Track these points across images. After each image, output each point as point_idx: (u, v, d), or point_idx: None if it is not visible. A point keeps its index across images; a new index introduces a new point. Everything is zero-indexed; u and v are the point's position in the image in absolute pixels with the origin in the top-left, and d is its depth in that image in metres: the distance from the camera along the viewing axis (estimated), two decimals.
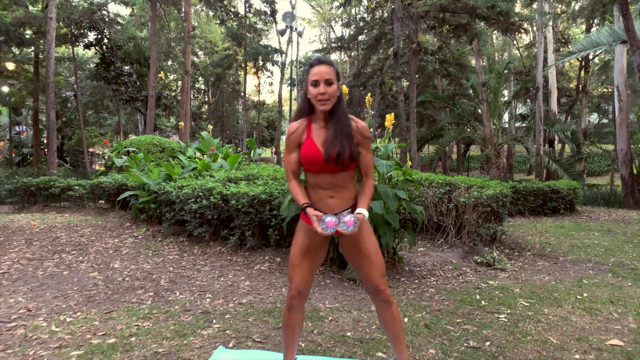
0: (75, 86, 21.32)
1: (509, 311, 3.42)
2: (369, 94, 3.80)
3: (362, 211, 2.01)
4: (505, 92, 23.13)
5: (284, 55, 22.91)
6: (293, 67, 27.85)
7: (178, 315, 3.27)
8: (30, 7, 17.72)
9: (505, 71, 18.32)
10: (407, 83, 19.65)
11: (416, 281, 4.37)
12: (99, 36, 18.45)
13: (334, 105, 2.08)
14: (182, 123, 10.90)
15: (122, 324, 3.07)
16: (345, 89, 4.79)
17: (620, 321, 3.24)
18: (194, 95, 35.75)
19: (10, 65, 20.38)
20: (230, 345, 2.74)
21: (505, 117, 24.18)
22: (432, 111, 24.18)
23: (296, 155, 2.11)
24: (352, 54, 26.14)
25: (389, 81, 23.45)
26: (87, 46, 18.72)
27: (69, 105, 27.09)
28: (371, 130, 4.53)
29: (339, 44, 18.21)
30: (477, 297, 3.80)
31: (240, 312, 3.34)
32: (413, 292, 4.01)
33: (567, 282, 4.37)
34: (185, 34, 19.54)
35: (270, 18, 18.11)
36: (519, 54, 25.89)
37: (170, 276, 4.37)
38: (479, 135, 18.12)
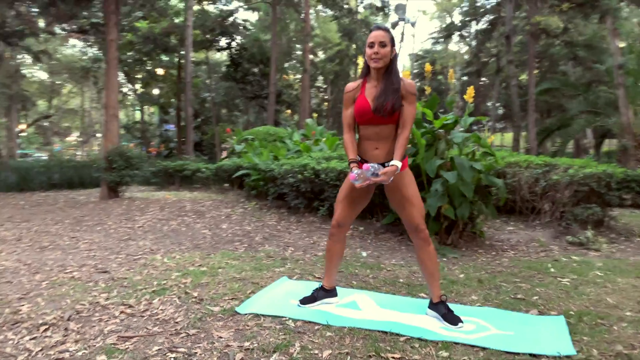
0: (210, 87, 23.90)
1: (575, 277, 3.36)
2: (427, 64, 3.94)
3: (395, 163, 2.31)
4: None
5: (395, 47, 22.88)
6: (410, 60, 27.67)
7: (261, 259, 3.85)
8: (175, 19, 20.37)
9: None
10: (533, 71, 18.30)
11: (493, 253, 4.40)
12: (229, 40, 20.52)
13: (388, 67, 2.40)
14: (315, 114, 11.93)
15: (215, 261, 3.74)
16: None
17: None
18: (314, 93, 37.35)
19: (160, 71, 23.69)
20: (294, 277, 3.23)
21: None
22: (562, 100, 22.16)
23: (351, 111, 2.48)
24: (472, 43, 25.13)
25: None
26: (219, 50, 20.97)
27: (206, 105, 30.47)
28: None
29: (449, 32, 17.65)
30: (549, 265, 3.75)
31: (312, 260, 3.81)
32: (485, 259, 4.08)
33: None
34: (304, 34, 20.73)
35: (382, 12, 18.36)
36: None
37: (265, 235, 5.02)
38: (614, 124, 16.24)
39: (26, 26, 12.46)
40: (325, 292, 2.62)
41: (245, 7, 21.30)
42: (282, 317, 2.44)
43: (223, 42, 20.99)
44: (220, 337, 2.19)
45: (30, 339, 2.18)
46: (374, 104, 2.36)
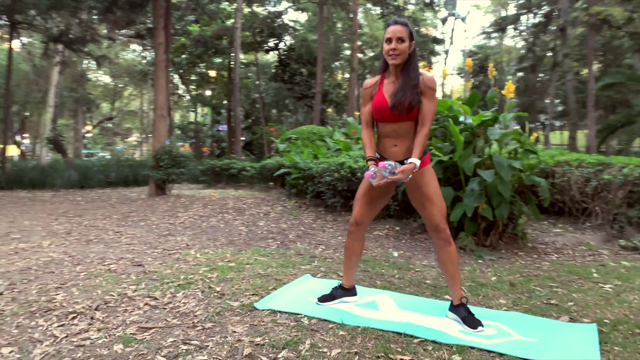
0: (260, 88, 24.37)
1: (619, 283, 3.12)
2: (468, 59, 3.78)
3: (413, 160, 2.22)
4: None
5: (445, 43, 22.27)
6: (463, 56, 26.79)
7: (290, 256, 3.87)
8: (226, 22, 20.94)
9: None
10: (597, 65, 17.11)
11: (534, 256, 4.18)
12: (277, 41, 20.83)
13: (406, 62, 2.34)
14: (357, 113, 11.95)
15: (245, 257, 3.80)
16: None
17: None
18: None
19: (212, 73, 24.44)
20: (318, 275, 3.21)
21: None
22: (628, 95, 20.68)
23: (369, 107, 2.44)
24: (529, 38, 23.98)
25: (573, 64, 20.85)
26: (267, 51, 21.33)
27: (257, 105, 31.13)
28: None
29: (500, 26, 16.82)
30: (592, 270, 3.51)
31: (341, 259, 3.78)
32: (523, 262, 3.89)
33: None
34: (351, 33, 20.66)
35: (431, 8, 17.89)
36: None
37: (299, 233, 5.05)
38: None
39: (88, 33, 13.26)
40: (344, 291, 2.59)
41: (294, 7, 21.53)
42: (298, 314, 2.43)
43: (271, 43, 21.34)
44: (235, 332, 2.22)
45: (58, 326, 2.31)
46: (392, 100, 2.29)
